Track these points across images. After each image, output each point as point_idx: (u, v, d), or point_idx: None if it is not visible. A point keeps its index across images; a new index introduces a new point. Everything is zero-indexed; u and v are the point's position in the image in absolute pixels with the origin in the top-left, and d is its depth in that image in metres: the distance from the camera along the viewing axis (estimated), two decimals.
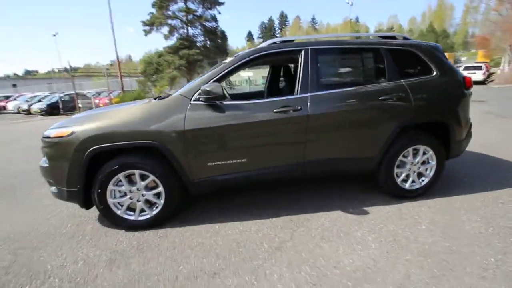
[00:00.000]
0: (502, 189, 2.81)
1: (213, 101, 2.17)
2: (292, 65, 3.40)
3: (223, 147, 2.25)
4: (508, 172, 3.29)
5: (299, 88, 2.34)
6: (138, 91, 17.43)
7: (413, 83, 2.51)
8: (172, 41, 22.86)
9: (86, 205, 2.27)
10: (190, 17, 22.13)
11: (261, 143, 2.30)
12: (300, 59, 2.40)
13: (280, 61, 3.22)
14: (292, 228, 2.26)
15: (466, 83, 2.68)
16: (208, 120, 2.18)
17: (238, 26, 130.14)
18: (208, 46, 24.51)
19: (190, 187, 2.31)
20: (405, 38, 2.73)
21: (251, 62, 2.35)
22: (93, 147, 2.09)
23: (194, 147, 2.19)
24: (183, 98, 2.24)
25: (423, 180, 2.69)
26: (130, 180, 2.24)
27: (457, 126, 2.63)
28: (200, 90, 2.18)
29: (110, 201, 2.20)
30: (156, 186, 2.25)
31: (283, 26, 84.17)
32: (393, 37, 2.71)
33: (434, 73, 2.60)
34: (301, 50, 2.40)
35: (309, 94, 2.33)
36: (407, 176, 2.65)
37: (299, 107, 2.28)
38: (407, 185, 2.66)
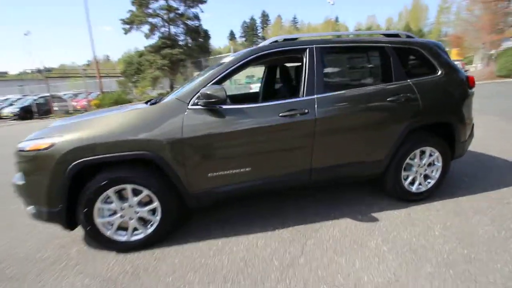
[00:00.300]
0: (503, 188, 2.80)
1: (214, 106, 1.96)
2: (289, 65, 3.24)
3: (225, 156, 2.05)
4: (504, 169, 3.31)
5: (304, 89, 2.18)
6: (119, 92, 16.73)
7: (419, 83, 2.42)
8: (154, 40, 22.16)
9: (70, 225, 2.00)
10: (171, 15, 21.49)
11: (266, 150, 2.12)
12: (304, 59, 2.24)
13: (283, 61, 3.05)
14: (301, 241, 2.10)
15: (470, 83, 2.63)
16: (209, 126, 1.97)
17: (220, 25, 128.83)
18: (190, 45, 23.95)
19: (189, 201, 2.09)
20: (408, 36, 2.64)
21: (252, 62, 2.16)
22: (77, 161, 1.83)
23: (193, 156, 1.98)
24: (179, 102, 2.02)
25: (429, 183, 2.62)
26: (121, 196, 1.99)
27: (462, 126, 2.58)
28: (199, 94, 1.97)
29: (98, 221, 1.95)
30: (151, 201, 2.02)
31: (265, 25, 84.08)
32: (397, 35, 2.62)
33: (439, 72, 2.53)
34: (305, 49, 2.24)
35: (315, 96, 2.17)
36: (414, 179, 2.57)
37: (306, 110, 2.12)
38: (414, 188, 2.58)
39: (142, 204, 2.02)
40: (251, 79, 22.10)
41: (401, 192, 2.55)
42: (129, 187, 1.94)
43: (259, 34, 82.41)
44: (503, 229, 2.14)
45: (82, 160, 1.83)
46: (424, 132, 2.50)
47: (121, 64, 28.60)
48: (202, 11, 24.03)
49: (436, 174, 2.61)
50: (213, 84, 2.03)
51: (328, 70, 2.34)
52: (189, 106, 1.99)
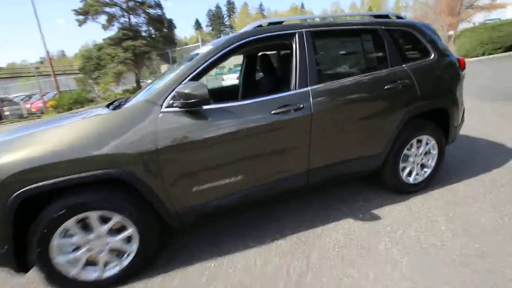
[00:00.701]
0: (493, 170, 2.78)
1: (194, 107, 1.62)
2: (269, 54, 2.94)
3: (211, 165, 1.73)
4: (488, 150, 3.32)
5: (297, 81, 1.91)
6: (78, 91, 15.27)
7: (415, 68, 2.25)
8: (113, 31, 20.41)
9: (22, 268, 1.58)
10: (131, 4, 19.84)
11: (259, 153, 1.83)
12: (294, 45, 1.95)
13: (267, 48, 2.73)
14: (305, 252, 1.88)
15: (461, 65, 2.52)
16: (189, 131, 1.64)
17: (183, 14, 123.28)
18: (154, 36, 22.47)
19: (171, 221, 1.77)
20: (398, 17, 2.44)
21: (235, 51, 1.84)
22: (23, 189, 1.42)
23: (173, 169, 1.64)
24: (150, 104, 1.65)
25: (425, 172, 2.51)
26: (86, 225, 1.61)
27: (456, 111, 2.48)
28: (174, 93, 1.62)
29: (59, 260, 1.56)
30: (125, 228, 1.66)
31: (231, 13, 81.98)
32: (387, 16, 2.41)
33: (432, 56, 2.38)
34: (294, 34, 1.95)
35: (309, 87, 1.91)
36: (411, 169, 2.45)
37: (301, 105, 1.85)
38: (411, 179, 2.45)
39: (113, 232, 1.66)
40: (222, 70, 21.33)
41: (399, 185, 2.42)
42: (94, 215, 1.57)
43: (226, 23, 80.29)
44: (505, 215, 2.08)
45: (28, 187, 1.42)
46: (421, 120, 2.36)
47: (78, 59, 26.28)
48: None
49: (432, 163, 2.50)
50: (190, 80, 1.68)
51: (320, 57, 2.08)
52: (163, 109, 1.63)
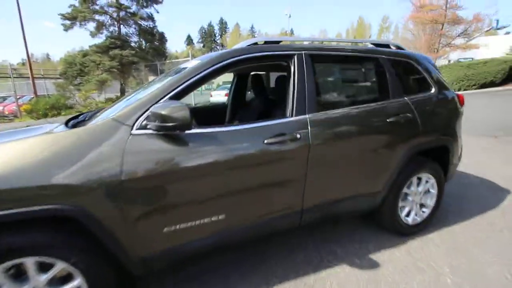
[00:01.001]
0: (489, 211, 2.66)
1: (173, 132, 1.34)
2: (262, 74, 2.75)
3: (189, 201, 1.43)
4: (479, 186, 3.23)
5: (293, 107, 1.69)
6: (57, 97, 14.44)
7: (416, 101, 2.11)
8: (101, 39, 19.98)
9: None
10: (122, 13, 19.64)
11: (247, 189, 1.55)
12: (292, 67, 1.75)
13: (262, 68, 2.53)
14: None
15: (460, 101, 2.43)
16: (165, 160, 1.34)
17: (176, 29, 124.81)
18: (144, 47, 22.20)
19: (133, 268, 1.42)
20: (398, 48, 2.34)
21: (226, 68, 1.60)
22: None
23: (140, 205, 1.33)
24: (117, 125, 1.34)
25: (423, 212, 2.32)
26: (20, 272, 1.24)
27: (456, 148, 2.35)
28: (149, 113, 1.34)
29: None
30: (71, 277, 1.30)
31: (223, 32, 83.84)
32: (387, 46, 2.30)
33: (433, 90, 2.27)
34: (293, 55, 1.75)
35: (307, 115, 1.69)
36: (410, 209, 2.25)
37: (298, 135, 1.62)
38: (410, 220, 2.25)
39: (56, 283, 1.29)
40: (211, 86, 21.22)
41: (399, 226, 2.20)
42: (30, 261, 1.21)
43: (217, 41, 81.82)
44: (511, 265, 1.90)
45: None
46: (421, 157, 2.19)
47: (62, 64, 25.39)
48: (158, 12, 22.51)
49: (431, 202, 2.33)
50: (170, 98, 1.41)
51: (320, 82, 1.89)
52: (134, 131, 1.33)
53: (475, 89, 15.75)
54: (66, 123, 1.64)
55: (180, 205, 1.41)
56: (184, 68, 1.64)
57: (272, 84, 3.01)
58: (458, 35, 21.54)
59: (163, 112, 1.25)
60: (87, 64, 18.50)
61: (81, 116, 1.91)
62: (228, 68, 1.62)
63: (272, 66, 2.32)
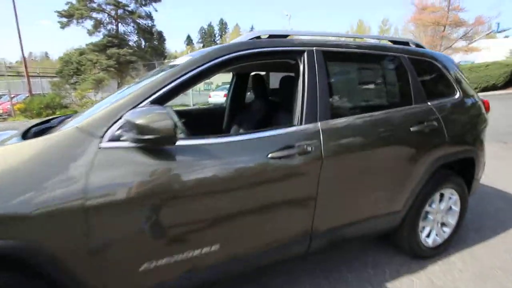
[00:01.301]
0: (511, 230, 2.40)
1: (155, 145, 1.07)
2: (261, 73, 2.48)
3: (175, 231, 1.15)
4: (497, 201, 2.97)
5: (303, 113, 1.41)
6: (52, 96, 14.12)
7: (440, 107, 1.85)
8: (98, 37, 19.65)
9: None
10: (120, 11, 19.34)
11: (245, 213, 1.28)
12: (301, 66, 1.47)
13: (265, 67, 2.25)
14: None
15: (486, 107, 2.17)
16: (143, 181, 1.07)
17: (175, 28, 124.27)
18: (143, 46, 21.90)
19: None
20: (418, 46, 2.07)
21: (223, 66, 1.32)
22: None
23: (110, 237, 1.05)
24: (81, 136, 1.06)
25: (444, 232, 2.06)
26: None
27: (482, 160, 2.09)
28: (123, 120, 1.06)
29: None
30: None
31: (223, 32, 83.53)
32: (407, 43, 2.03)
33: (458, 94, 2.00)
34: (303, 52, 1.47)
35: (319, 123, 1.42)
36: (431, 229, 1.98)
37: (308, 148, 1.35)
38: (430, 242, 1.98)
39: None
40: (209, 86, 20.87)
41: (418, 248, 1.94)
42: None
43: (217, 42, 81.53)
44: None
45: None
46: (445, 170, 1.93)
47: (59, 62, 25.05)
48: (156, 10, 22.19)
49: (453, 221, 2.06)
50: (152, 103, 1.13)
51: (334, 84, 1.61)
52: (104, 143, 1.06)
53: (477, 92, 15.57)
54: (27, 131, 1.35)
55: (163, 236, 1.13)
56: (174, 66, 1.36)
57: (272, 84, 2.75)
58: (460, 38, 21.42)
59: (139, 122, 0.97)
60: (84, 62, 18.19)
61: (54, 120, 1.63)
62: (226, 66, 1.35)
63: (277, 65, 2.02)
